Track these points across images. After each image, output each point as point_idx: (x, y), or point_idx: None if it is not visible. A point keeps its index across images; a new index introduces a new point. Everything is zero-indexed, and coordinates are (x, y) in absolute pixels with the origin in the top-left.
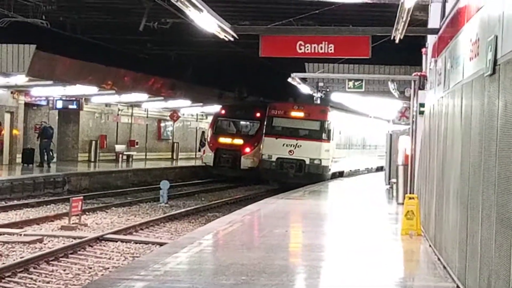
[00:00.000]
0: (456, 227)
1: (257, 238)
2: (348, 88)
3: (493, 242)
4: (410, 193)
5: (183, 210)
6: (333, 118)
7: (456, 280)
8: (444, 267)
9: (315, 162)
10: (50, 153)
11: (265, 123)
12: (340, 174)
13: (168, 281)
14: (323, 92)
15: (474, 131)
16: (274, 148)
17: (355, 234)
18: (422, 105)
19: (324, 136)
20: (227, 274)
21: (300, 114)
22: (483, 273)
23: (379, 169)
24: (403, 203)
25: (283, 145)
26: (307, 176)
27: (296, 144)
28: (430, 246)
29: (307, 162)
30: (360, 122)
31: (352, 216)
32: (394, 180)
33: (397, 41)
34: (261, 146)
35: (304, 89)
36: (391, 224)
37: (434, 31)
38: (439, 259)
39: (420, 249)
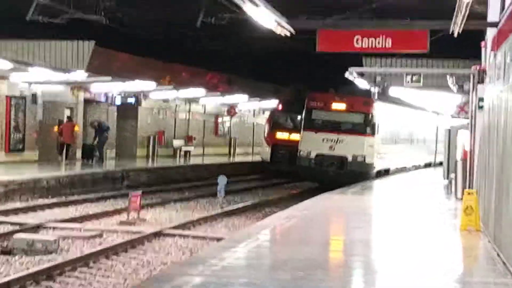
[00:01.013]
0: None
1: (314, 233)
2: (406, 82)
3: None
4: (469, 188)
5: (240, 205)
6: (378, 110)
7: None
8: (504, 263)
9: (358, 159)
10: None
11: (303, 116)
12: (386, 172)
13: (225, 276)
14: (381, 86)
15: None
16: (313, 144)
17: (413, 230)
18: (481, 99)
19: (368, 130)
20: (284, 269)
21: (342, 106)
22: None
23: (428, 165)
24: (462, 199)
25: (323, 140)
26: (349, 174)
27: (337, 139)
28: (489, 241)
29: (350, 159)
30: (407, 114)
31: (410, 212)
32: (453, 175)
33: (455, 34)
34: (299, 142)
35: (361, 83)
36: (450, 219)
37: (493, 24)
38: (498, 255)
39: (479, 245)
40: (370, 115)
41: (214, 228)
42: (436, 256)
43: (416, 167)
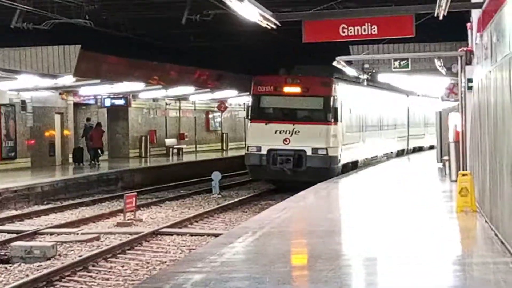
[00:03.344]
0: (511, 201)
1: (311, 224)
2: (394, 68)
3: None
4: (463, 170)
5: (236, 200)
6: (341, 92)
7: None
8: (502, 242)
9: (320, 152)
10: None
11: (249, 103)
12: (354, 165)
13: (225, 272)
14: (369, 73)
15: None
16: (264, 137)
17: (410, 214)
18: (470, 80)
19: (329, 117)
20: (283, 261)
21: (296, 89)
22: None
23: (400, 153)
24: (456, 180)
25: (276, 132)
26: (309, 172)
27: (293, 130)
28: (486, 222)
29: (309, 153)
30: (374, 96)
31: (405, 196)
32: (446, 157)
33: (441, 17)
34: (247, 135)
35: (350, 71)
36: (445, 202)
37: (478, 5)
38: (496, 234)
39: (476, 226)
40: (331, 99)
41: (211, 224)
42: (434, 238)
43: (388, 156)
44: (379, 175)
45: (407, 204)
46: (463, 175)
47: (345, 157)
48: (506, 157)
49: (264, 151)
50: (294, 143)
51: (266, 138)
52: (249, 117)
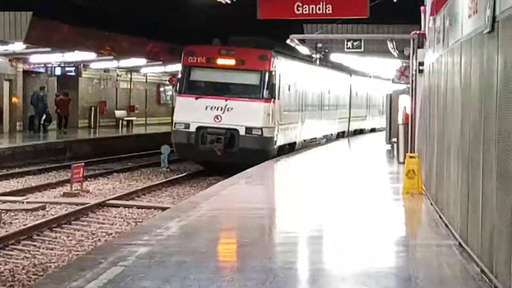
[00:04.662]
0: (457, 184)
1: (259, 201)
2: (347, 48)
3: (494, 198)
4: (411, 152)
5: (184, 174)
6: (280, 67)
7: (458, 237)
8: (446, 225)
9: (254, 132)
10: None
11: (178, 76)
12: (291, 147)
13: (171, 246)
14: (322, 53)
15: (473, 89)
16: (193, 113)
17: (356, 194)
18: (421, 63)
19: (266, 93)
20: (230, 237)
21: (230, 61)
22: (485, 230)
23: (340, 135)
24: (404, 162)
25: (206, 108)
26: (242, 153)
27: (226, 106)
28: (431, 204)
29: (242, 132)
30: (316, 73)
31: (353, 176)
32: (394, 139)
33: (395, 0)
34: (174, 110)
35: (303, 50)
36: (392, 183)
37: None
38: (440, 217)
39: (422, 208)
40: (269, 74)
41: (158, 197)
42: (379, 219)
43: (328, 138)
44: (322, 157)
45: (353, 185)
46: (411, 157)
47: (281, 138)
48: (453, 141)
49: (192, 129)
50: (226, 120)
51: (195, 114)
52: (177, 90)
